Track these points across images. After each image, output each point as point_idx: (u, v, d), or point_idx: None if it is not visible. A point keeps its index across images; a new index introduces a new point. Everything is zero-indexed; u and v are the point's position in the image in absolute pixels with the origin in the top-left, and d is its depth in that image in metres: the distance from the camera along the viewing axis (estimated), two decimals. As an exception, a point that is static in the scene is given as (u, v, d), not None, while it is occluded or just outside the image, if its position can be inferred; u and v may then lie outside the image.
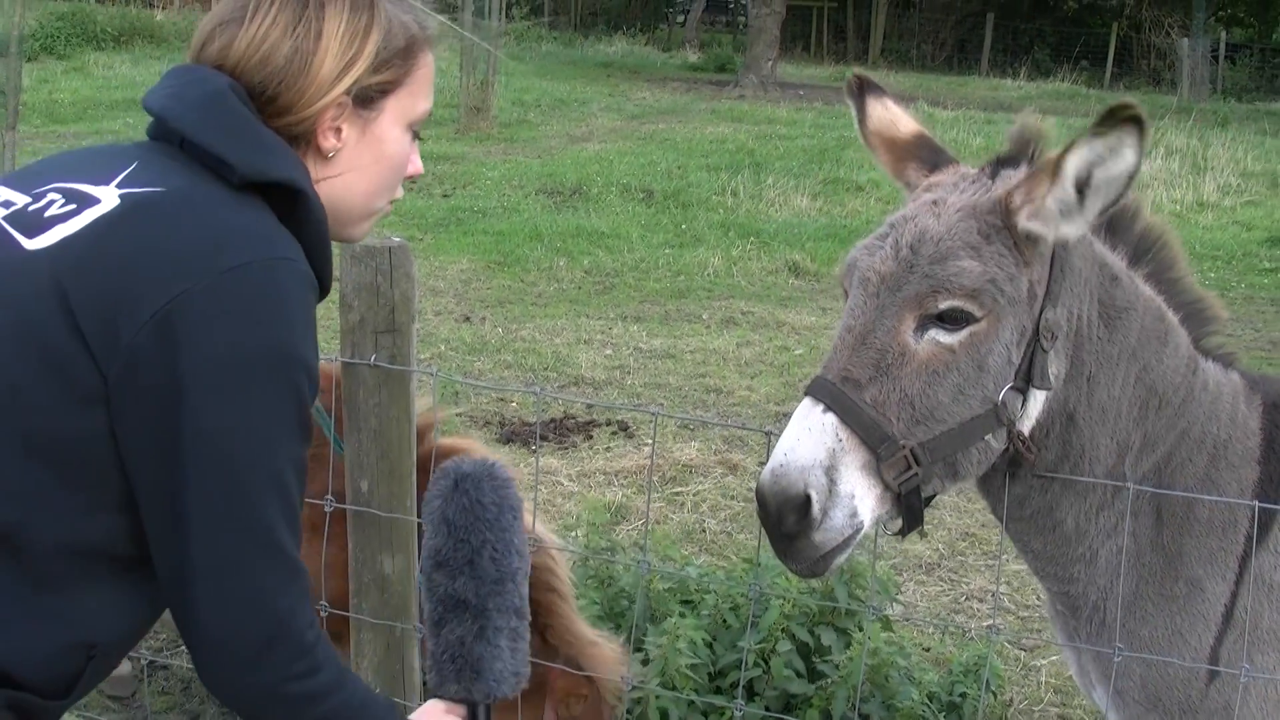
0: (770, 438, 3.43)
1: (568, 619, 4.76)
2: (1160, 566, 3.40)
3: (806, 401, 3.09)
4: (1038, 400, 3.22)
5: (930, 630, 7.34)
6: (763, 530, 3.10)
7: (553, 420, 10.39)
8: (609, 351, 12.42)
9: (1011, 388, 3.15)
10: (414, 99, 2.89)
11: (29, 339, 2.44)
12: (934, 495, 3.22)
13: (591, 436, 10.13)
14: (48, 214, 2.56)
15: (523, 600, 2.80)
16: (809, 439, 3.03)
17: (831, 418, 3.03)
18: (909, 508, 3.11)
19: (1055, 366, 3.22)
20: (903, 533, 3.22)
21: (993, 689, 6.12)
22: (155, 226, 2.51)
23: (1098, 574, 3.45)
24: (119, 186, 2.57)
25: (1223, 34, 48.43)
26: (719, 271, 15.90)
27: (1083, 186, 3.09)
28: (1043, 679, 6.87)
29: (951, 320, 3.09)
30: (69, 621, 2.55)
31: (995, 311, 3.10)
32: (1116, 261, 3.39)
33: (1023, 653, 7.15)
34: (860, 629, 5.72)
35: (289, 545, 2.55)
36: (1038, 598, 7.50)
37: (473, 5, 27.90)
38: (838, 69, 44.52)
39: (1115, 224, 3.43)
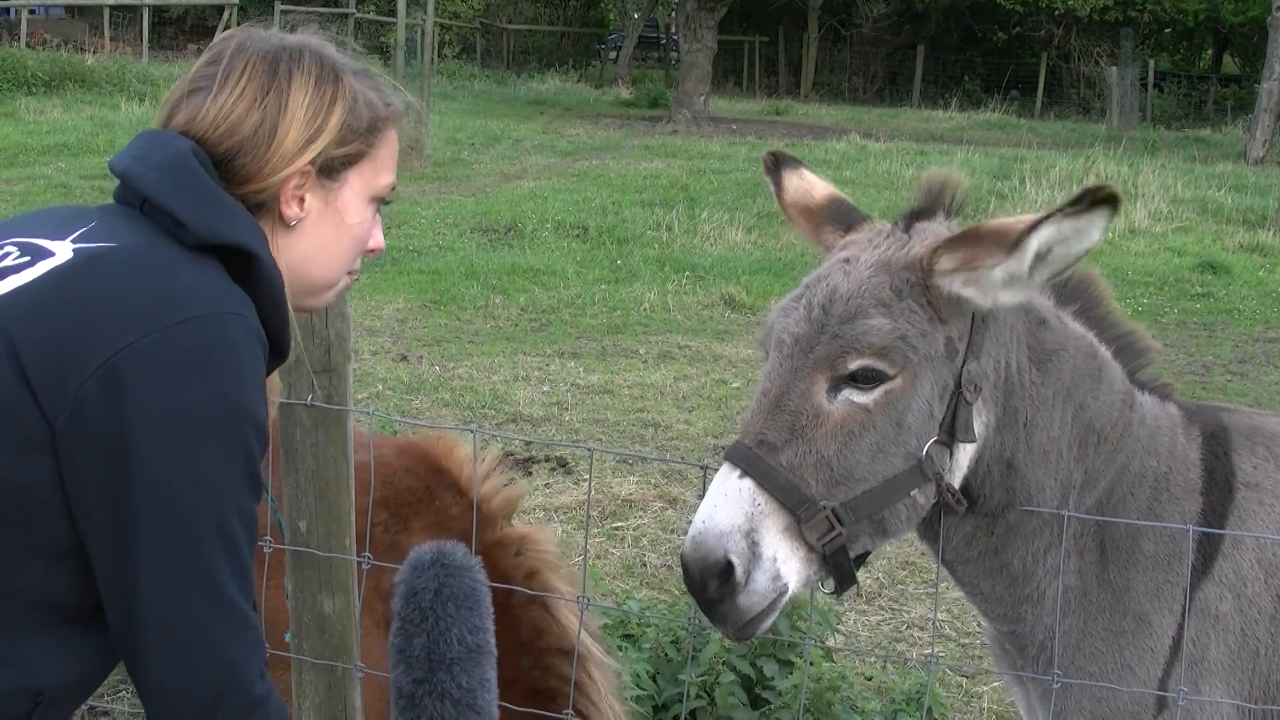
0: (706, 472, 3.44)
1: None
2: (1108, 602, 3.39)
3: (724, 467, 3.09)
4: (966, 453, 3.21)
5: (872, 660, 7.36)
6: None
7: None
8: (546, 388, 12.41)
9: (936, 442, 3.13)
10: (377, 173, 2.93)
11: None
12: (866, 554, 3.20)
13: (530, 473, 10.10)
14: (1, 265, 2.59)
15: (465, 689, 2.82)
16: (726, 505, 3.02)
17: (748, 483, 3.03)
18: (837, 568, 3.08)
19: (981, 419, 3.21)
20: (836, 593, 3.20)
21: (935, 717, 6.15)
22: (106, 279, 2.54)
23: (1044, 613, 3.45)
24: (74, 241, 2.60)
25: (1150, 62, 48.98)
26: (655, 306, 15.93)
27: (1038, 260, 3.07)
28: (985, 705, 6.89)
29: (864, 380, 3.08)
30: (13, 664, 2.55)
31: (909, 368, 3.08)
32: (1044, 304, 3.39)
33: (964, 679, 7.18)
34: (801, 657, 5.74)
35: (238, 598, 2.56)
36: (978, 624, 7.54)
37: (405, 45, 27.95)
38: (770, 103, 44.86)
39: None
